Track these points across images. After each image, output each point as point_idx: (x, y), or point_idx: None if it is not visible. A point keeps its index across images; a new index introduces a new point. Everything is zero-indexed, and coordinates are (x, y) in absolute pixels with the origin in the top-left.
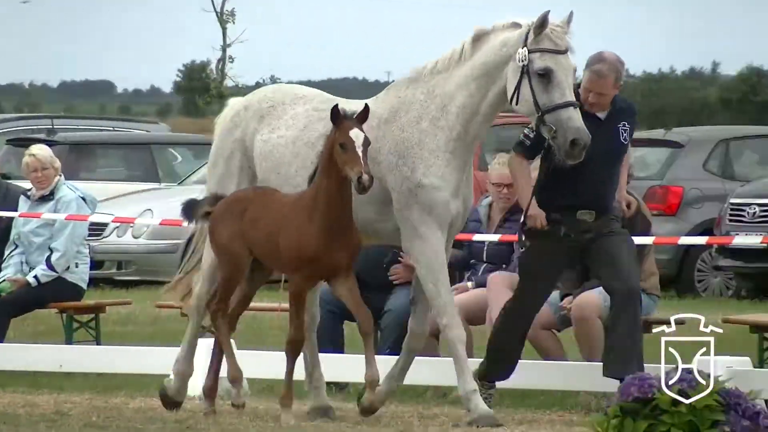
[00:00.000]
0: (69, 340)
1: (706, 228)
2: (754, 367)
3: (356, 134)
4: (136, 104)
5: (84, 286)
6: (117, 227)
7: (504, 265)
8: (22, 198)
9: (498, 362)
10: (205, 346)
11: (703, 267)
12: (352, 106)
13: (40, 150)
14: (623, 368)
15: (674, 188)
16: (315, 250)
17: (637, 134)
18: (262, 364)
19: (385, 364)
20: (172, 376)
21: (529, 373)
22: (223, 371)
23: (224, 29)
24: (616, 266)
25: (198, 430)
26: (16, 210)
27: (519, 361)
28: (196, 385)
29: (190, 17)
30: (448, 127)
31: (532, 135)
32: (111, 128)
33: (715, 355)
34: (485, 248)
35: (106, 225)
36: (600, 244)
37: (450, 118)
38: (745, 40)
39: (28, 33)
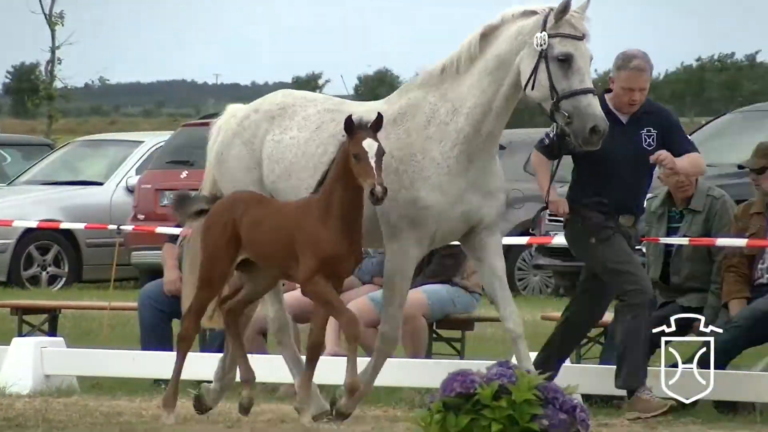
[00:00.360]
0: None
1: (526, 228)
2: (572, 362)
3: (370, 144)
4: None
5: None
6: None
7: None
8: None
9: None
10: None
11: (524, 266)
12: (362, 108)
13: None
14: (632, 380)
15: None
16: (336, 253)
17: None
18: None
19: (213, 360)
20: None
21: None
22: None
23: (53, 31)
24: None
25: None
26: None
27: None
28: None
29: (18, 19)
30: (456, 130)
31: (552, 134)
32: None
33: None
34: None
35: None
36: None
37: (459, 120)
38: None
39: None
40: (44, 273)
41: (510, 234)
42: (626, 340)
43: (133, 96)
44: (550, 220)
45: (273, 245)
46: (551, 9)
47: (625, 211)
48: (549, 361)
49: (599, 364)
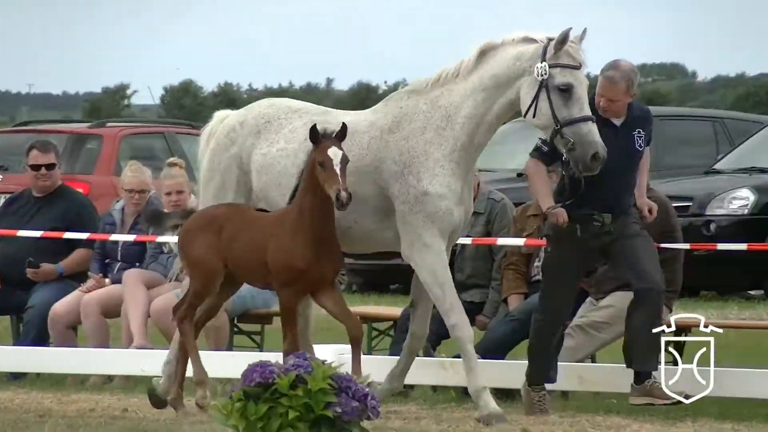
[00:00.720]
0: None
1: None
2: (363, 354)
3: (334, 152)
4: None
5: None
6: None
7: (137, 264)
8: None
9: (542, 366)
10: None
11: None
12: (348, 118)
13: None
14: (645, 362)
15: None
16: (304, 264)
17: None
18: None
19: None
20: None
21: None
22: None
23: None
24: (637, 266)
25: None
26: None
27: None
28: None
29: None
30: (453, 137)
31: (548, 141)
32: None
33: (328, 343)
34: (120, 248)
35: None
36: (621, 246)
37: (456, 128)
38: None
39: None
40: None
41: None
42: (640, 329)
43: None
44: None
45: (249, 256)
46: (550, 39)
47: (608, 210)
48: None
49: (389, 356)
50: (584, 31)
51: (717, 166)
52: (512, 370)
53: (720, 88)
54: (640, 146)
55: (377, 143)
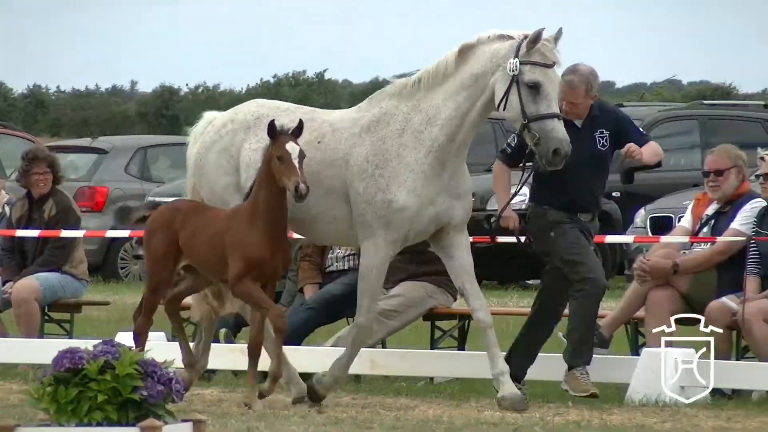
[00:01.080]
0: None
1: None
2: (168, 340)
3: (292, 147)
4: None
5: None
6: None
7: None
8: None
9: (525, 362)
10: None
11: (125, 256)
12: (333, 116)
13: None
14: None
15: (100, 188)
16: (260, 254)
17: (67, 142)
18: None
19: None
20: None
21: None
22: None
23: None
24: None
25: None
26: None
27: None
28: None
29: None
30: (430, 139)
31: (514, 144)
32: None
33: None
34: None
35: None
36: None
37: (434, 131)
38: (201, 60)
39: None
40: None
41: (112, 228)
42: (577, 322)
43: None
44: None
45: (208, 252)
46: (525, 36)
47: (584, 209)
48: (517, 362)
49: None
50: (559, 30)
51: None
52: (303, 357)
53: None
54: (603, 146)
55: (354, 139)
